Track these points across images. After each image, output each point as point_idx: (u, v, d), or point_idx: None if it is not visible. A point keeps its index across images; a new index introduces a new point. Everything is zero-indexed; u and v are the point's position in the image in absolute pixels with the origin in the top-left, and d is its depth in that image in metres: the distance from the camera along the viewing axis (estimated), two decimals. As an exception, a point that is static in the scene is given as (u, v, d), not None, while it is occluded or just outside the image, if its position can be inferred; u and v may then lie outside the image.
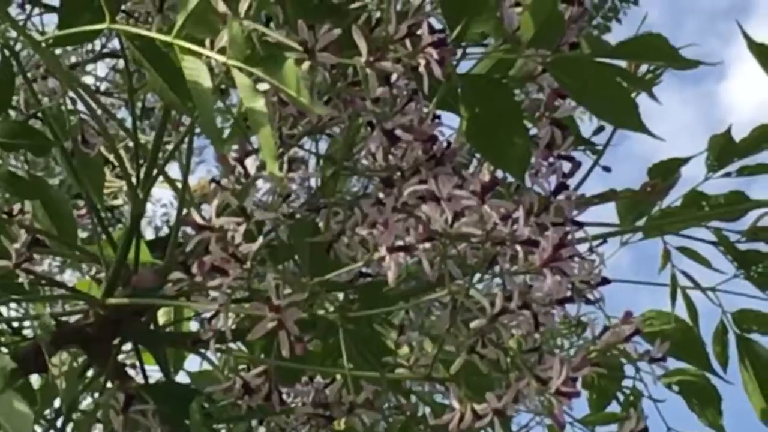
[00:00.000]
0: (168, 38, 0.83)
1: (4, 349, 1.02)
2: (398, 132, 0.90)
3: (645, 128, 0.95)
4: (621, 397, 1.23)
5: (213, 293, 0.85)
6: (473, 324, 0.87)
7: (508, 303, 0.87)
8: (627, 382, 1.22)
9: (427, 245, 0.87)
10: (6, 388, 0.82)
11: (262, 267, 0.87)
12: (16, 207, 1.09)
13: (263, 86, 0.84)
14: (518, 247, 0.87)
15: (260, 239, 0.86)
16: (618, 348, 1.07)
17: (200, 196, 1.15)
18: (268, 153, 0.82)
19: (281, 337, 0.85)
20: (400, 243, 0.86)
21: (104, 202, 1.15)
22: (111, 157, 1.19)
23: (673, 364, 1.19)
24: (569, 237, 0.92)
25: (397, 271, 0.86)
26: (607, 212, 1.19)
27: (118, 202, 1.22)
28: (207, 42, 0.85)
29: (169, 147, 1.09)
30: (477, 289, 0.89)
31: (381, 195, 0.91)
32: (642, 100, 1.10)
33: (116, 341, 1.05)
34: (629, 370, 1.18)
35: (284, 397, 0.93)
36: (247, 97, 0.83)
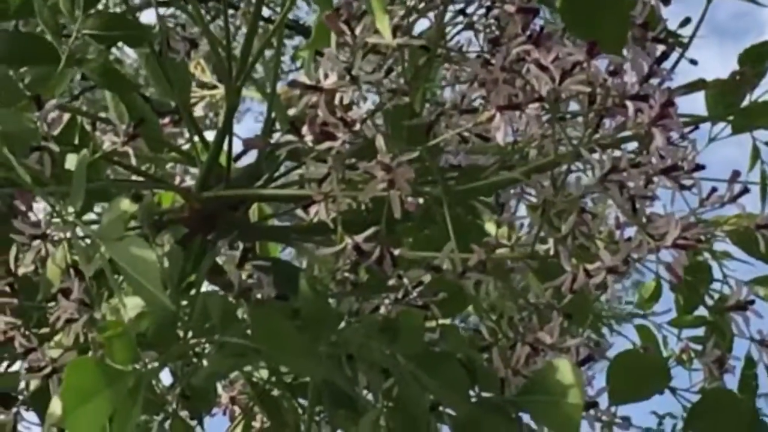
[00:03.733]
0: None
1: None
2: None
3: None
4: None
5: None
6: (585, 181, 0.87)
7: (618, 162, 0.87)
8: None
9: (535, 105, 0.87)
10: (126, 234, 0.79)
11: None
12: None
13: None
14: (628, 103, 0.86)
15: (367, 103, 0.86)
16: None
17: (285, 100, 1.14)
18: (378, 5, 0.82)
19: (392, 197, 0.84)
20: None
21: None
22: (192, 67, 1.20)
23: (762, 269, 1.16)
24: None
25: (506, 132, 0.86)
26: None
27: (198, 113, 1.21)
28: None
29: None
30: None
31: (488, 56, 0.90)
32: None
33: (210, 237, 1.05)
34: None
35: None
36: (353, -46, 0.83)
